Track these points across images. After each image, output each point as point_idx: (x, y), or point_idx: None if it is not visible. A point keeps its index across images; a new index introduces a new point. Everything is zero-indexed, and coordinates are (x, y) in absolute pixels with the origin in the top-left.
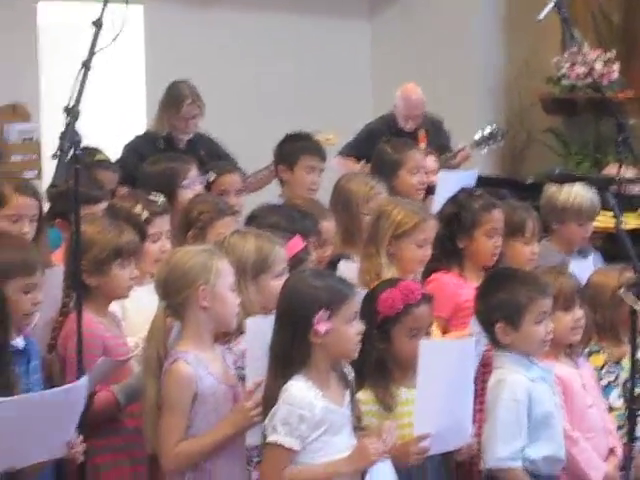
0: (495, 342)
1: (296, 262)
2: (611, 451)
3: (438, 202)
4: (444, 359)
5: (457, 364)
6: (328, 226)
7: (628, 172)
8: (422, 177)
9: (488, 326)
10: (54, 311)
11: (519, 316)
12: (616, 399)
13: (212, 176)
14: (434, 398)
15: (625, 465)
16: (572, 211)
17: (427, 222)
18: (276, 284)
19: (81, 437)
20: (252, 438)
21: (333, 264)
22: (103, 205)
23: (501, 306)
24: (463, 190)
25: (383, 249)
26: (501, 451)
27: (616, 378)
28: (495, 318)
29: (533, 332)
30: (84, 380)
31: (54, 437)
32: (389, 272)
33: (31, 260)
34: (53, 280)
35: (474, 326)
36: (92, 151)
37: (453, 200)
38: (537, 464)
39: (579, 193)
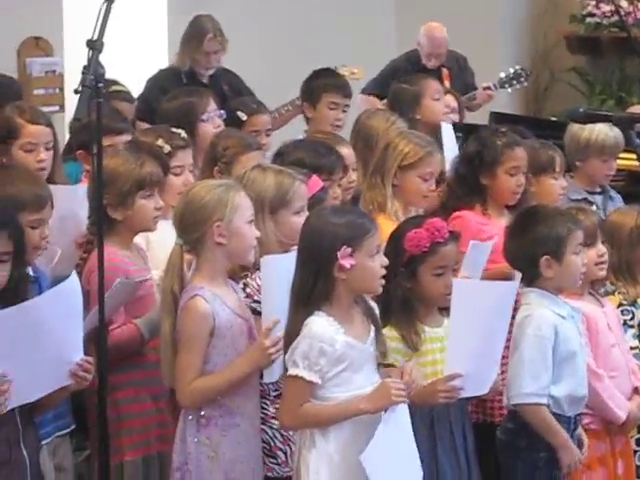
0: (528, 279)
1: (315, 201)
2: (635, 390)
3: (447, 155)
4: (479, 300)
5: (493, 306)
6: (347, 153)
7: None
8: (446, 102)
9: (524, 262)
10: (78, 233)
11: (562, 248)
12: (632, 339)
13: (243, 116)
14: (467, 339)
15: None
16: (595, 147)
17: (433, 156)
18: (295, 220)
19: (91, 358)
20: (269, 375)
21: (355, 200)
22: (125, 137)
23: (544, 240)
24: (486, 127)
25: (388, 180)
26: (527, 387)
27: (632, 318)
28: (538, 253)
29: (574, 264)
30: (74, 276)
31: (61, 354)
32: (392, 204)
33: (41, 195)
34: (75, 201)
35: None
36: (109, 82)
37: (476, 138)
38: (560, 403)
39: (602, 130)
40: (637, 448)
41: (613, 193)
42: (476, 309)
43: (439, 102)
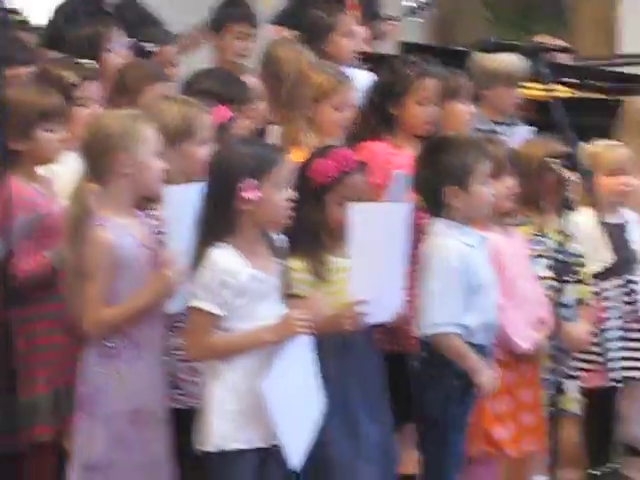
0: (434, 209)
1: (222, 130)
2: (540, 320)
3: None
4: (375, 223)
5: (388, 229)
6: (254, 82)
7: (558, 41)
8: (355, 42)
9: (431, 192)
10: None
11: (468, 178)
12: (543, 269)
13: (152, 47)
14: (367, 264)
15: (553, 334)
16: (500, 75)
17: (346, 85)
18: (200, 151)
19: None
20: (173, 305)
21: (262, 131)
22: (28, 69)
23: (450, 169)
24: (397, 57)
25: (302, 113)
26: (437, 317)
27: (543, 248)
28: (444, 182)
29: (481, 193)
30: None
31: None
32: (308, 136)
33: None
34: None
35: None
36: (11, 12)
37: (386, 68)
38: (472, 332)
39: (508, 59)
40: (550, 376)
41: (520, 123)
42: (372, 232)
43: (349, 41)
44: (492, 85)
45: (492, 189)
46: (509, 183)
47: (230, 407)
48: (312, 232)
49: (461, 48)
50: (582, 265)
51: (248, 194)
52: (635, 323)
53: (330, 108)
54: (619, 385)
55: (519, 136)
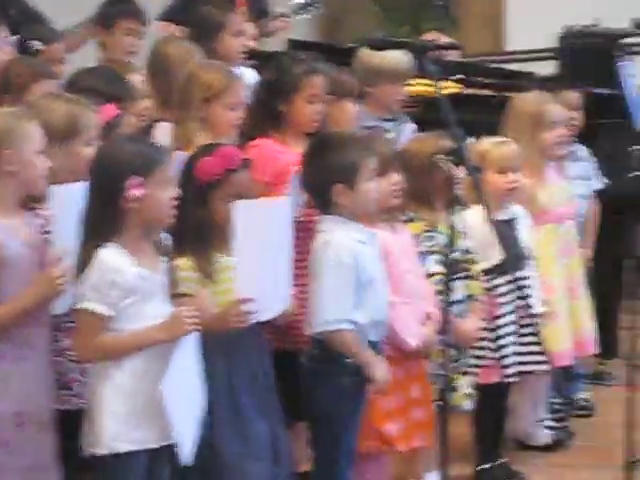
0: (323, 206)
1: (109, 129)
2: (428, 316)
3: None
4: (259, 219)
5: (272, 225)
6: (139, 80)
7: (445, 38)
8: (245, 41)
9: (318, 190)
10: None
11: (354, 175)
12: (434, 265)
13: (39, 45)
14: (253, 261)
15: (443, 330)
16: (385, 72)
17: (236, 84)
18: (86, 150)
19: None
20: (58, 306)
21: (150, 128)
22: None
23: (337, 167)
24: (285, 54)
25: (194, 113)
26: (329, 314)
27: (434, 244)
28: (331, 180)
29: (367, 190)
30: None
31: None
32: (201, 137)
33: None
34: None
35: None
36: None
37: (274, 65)
38: (363, 328)
39: (393, 55)
40: (440, 372)
41: (406, 119)
42: (257, 229)
43: (239, 39)
44: (377, 82)
45: (378, 186)
46: (395, 179)
47: (120, 408)
48: (198, 230)
49: (349, 45)
50: (472, 261)
51: (133, 192)
52: (527, 318)
53: (222, 108)
54: (512, 380)
55: (405, 133)
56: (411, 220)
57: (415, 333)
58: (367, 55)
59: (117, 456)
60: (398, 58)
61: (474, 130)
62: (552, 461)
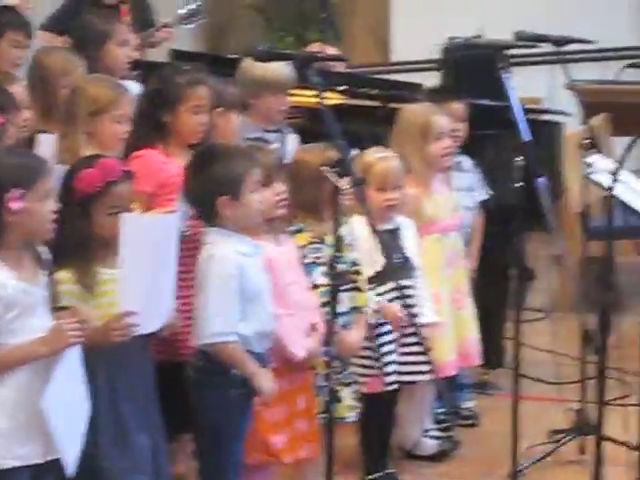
0: (207, 219)
1: None
2: (313, 327)
3: None
4: (146, 234)
5: (159, 239)
6: (19, 91)
7: (330, 50)
8: (129, 51)
9: (202, 202)
10: None
11: (239, 187)
12: (320, 276)
13: None
14: (138, 275)
15: (328, 341)
16: (266, 83)
17: (123, 97)
18: None
19: None
20: None
21: (31, 140)
22: None
23: (221, 179)
24: (169, 65)
25: (80, 127)
26: (215, 326)
27: (320, 256)
28: (215, 192)
29: (252, 202)
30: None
31: None
32: (87, 150)
33: None
34: None
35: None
36: None
37: (157, 75)
38: (249, 340)
39: (274, 66)
40: (324, 383)
41: (289, 130)
42: (143, 243)
43: (123, 50)
44: (260, 93)
45: (262, 197)
46: (279, 190)
47: (4, 424)
48: (79, 243)
49: (233, 56)
50: (358, 273)
51: (13, 205)
52: (410, 327)
53: (109, 122)
54: (394, 389)
55: (289, 144)
56: (299, 231)
57: (301, 344)
58: (249, 66)
59: (1, 473)
60: (280, 69)
61: (360, 141)
62: (438, 471)
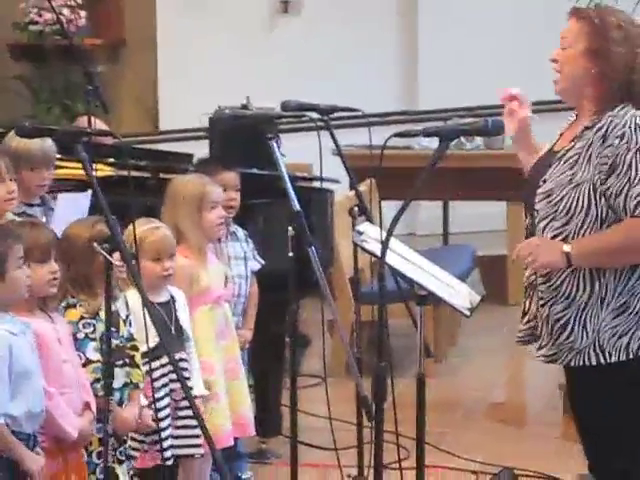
0: None
1: None
2: (86, 405)
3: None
4: None
5: None
6: None
7: (99, 122)
8: None
9: None
10: None
11: (4, 264)
12: (93, 352)
13: None
14: None
15: (103, 418)
16: (24, 158)
17: None
18: None
19: None
20: None
21: None
22: None
23: None
24: None
25: None
26: None
27: (93, 331)
28: None
29: (16, 279)
30: None
31: None
32: None
33: None
34: None
35: None
36: None
37: None
38: (19, 420)
39: (30, 141)
40: (98, 461)
41: (53, 204)
42: None
43: None
44: (18, 167)
45: (27, 272)
46: (54, 268)
47: None
48: None
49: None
50: (134, 348)
51: None
52: (184, 401)
53: None
54: (170, 463)
55: (52, 215)
56: (73, 306)
57: (74, 423)
58: (9, 140)
59: None
60: (38, 144)
61: (130, 213)
62: None
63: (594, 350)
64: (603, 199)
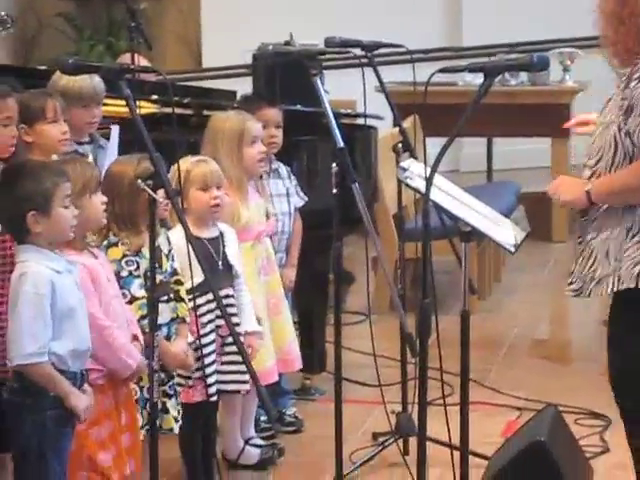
0: (18, 236)
1: None
2: (134, 338)
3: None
4: None
5: None
6: None
7: (142, 59)
8: None
9: (11, 219)
10: None
11: (48, 202)
12: (138, 289)
13: None
14: None
15: (150, 354)
16: (73, 96)
17: None
18: None
19: None
20: None
21: None
22: None
23: (29, 196)
24: None
25: None
26: (27, 347)
27: (137, 268)
28: (24, 208)
29: (63, 216)
30: None
31: None
32: None
33: None
34: None
35: None
36: None
37: None
38: (63, 359)
39: (79, 78)
40: (146, 396)
41: (103, 142)
42: None
43: None
44: (68, 106)
45: (74, 211)
46: (104, 198)
47: None
48: None
49: (44, 68)
50: (179, 282)
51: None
52: (230, 337)
53: None
54: (215, 399)
55: (102, 153)
56: (115, 244)
57: (133, 354)
58: (57, 79)
59: None
60: (87, 81)
61: (174, 150)
62: (264, 479)
63: (612, 278)
64: (628, 139)
